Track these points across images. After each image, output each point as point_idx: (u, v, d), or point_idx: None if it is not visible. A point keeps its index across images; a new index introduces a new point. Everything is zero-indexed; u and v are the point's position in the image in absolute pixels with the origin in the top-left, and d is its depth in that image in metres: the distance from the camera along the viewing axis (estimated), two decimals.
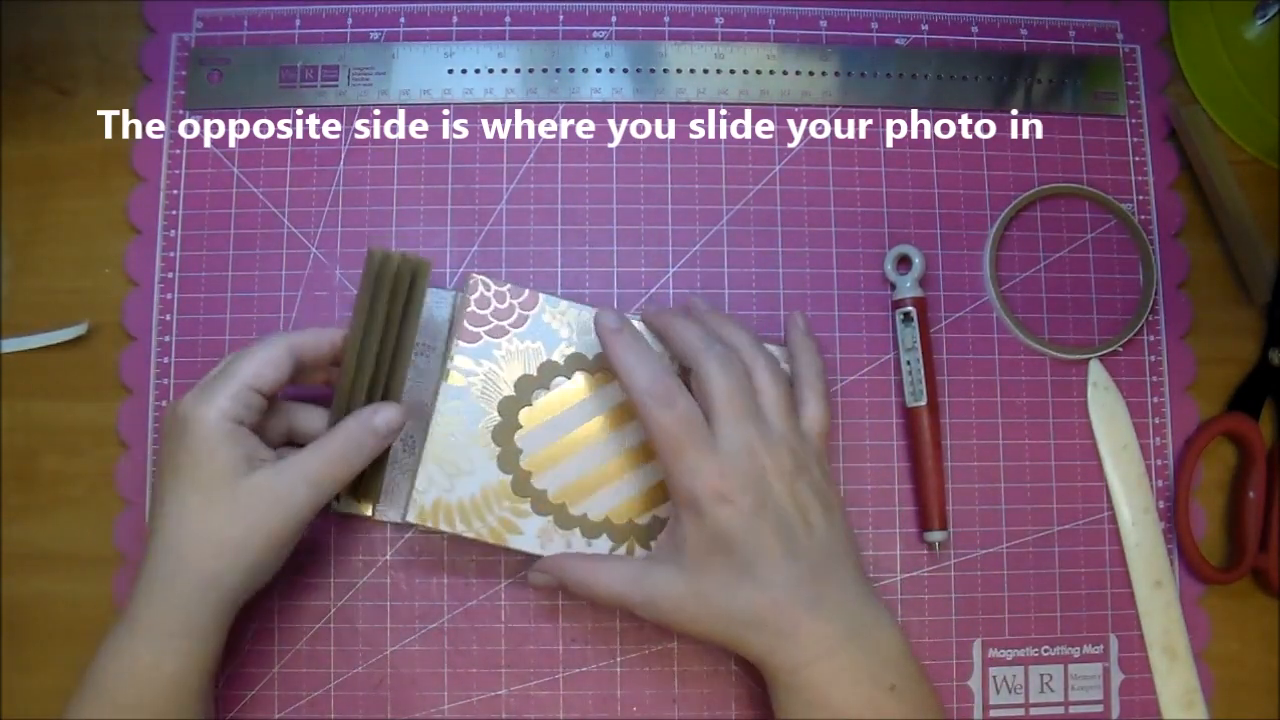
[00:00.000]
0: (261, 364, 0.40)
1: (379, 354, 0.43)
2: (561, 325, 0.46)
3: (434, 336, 0.47)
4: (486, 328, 0.45)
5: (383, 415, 0.42)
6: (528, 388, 0.45)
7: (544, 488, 0.44)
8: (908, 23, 0.52)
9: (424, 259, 0.43)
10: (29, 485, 0.48)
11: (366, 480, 0.44)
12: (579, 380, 0.45)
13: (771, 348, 0.48)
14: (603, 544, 0.45)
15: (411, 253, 0.43)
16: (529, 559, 0.45)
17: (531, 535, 0.44)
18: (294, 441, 0.44)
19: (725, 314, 0.46)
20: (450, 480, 0.44)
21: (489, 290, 0.45)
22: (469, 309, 0.45)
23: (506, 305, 0.45)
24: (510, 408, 0.45)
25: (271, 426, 0.42)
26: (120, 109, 0.50)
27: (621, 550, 0.45)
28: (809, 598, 0.39)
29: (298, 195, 0.49)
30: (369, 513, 0.46)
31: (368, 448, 0.41)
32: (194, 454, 0.39)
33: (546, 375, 0.45)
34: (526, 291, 0.46)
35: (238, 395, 0.39)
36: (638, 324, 0.45)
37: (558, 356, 0.45)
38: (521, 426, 0.45)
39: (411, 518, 0.43)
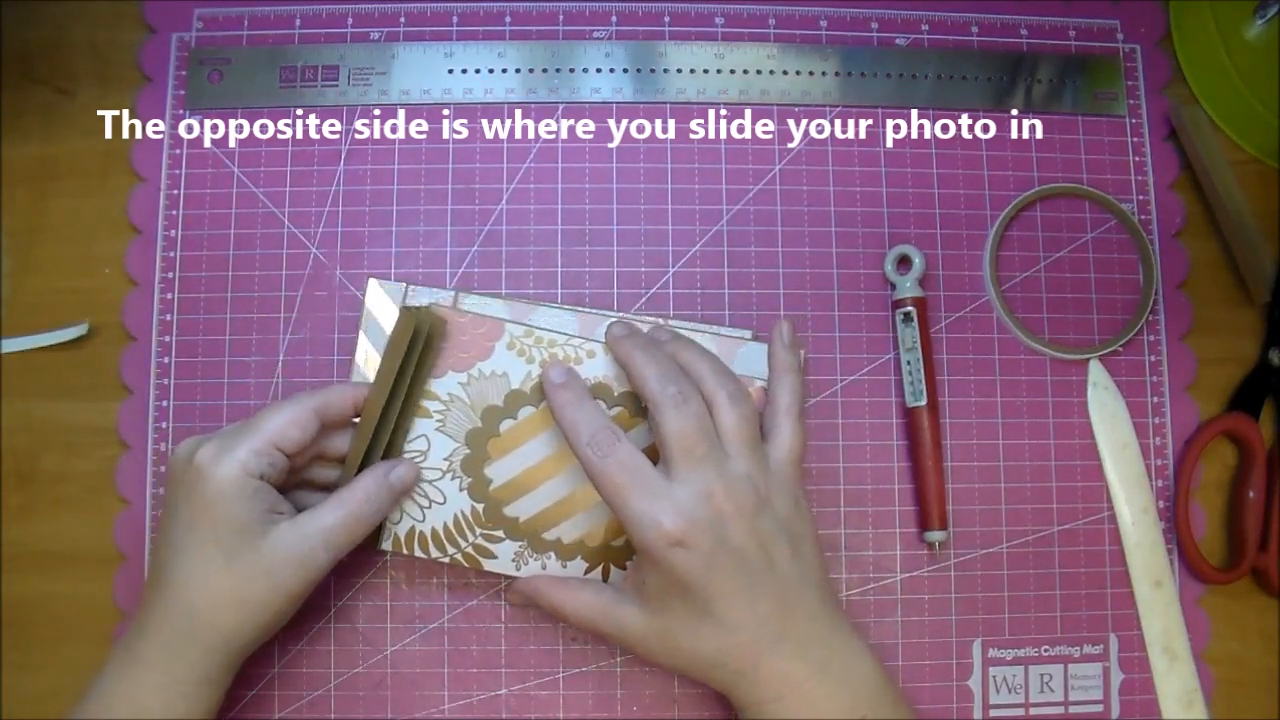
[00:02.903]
0: (288, 423, 0.40)
1: (401, 410, 0.44)
2: (526, 355, 0.45)
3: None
4: (451, 361, 0.45)
5: (398, 473, 0.42)
6: (494, 418, 0.45)
7: (515, 515, 0.45)
8: (908, 23, 0.52)
9: (441, 316, 0.44)
10: (29, 485, 0.48)
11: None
12: (546, 408, 0.45)
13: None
14: (577, 566, 0.45)
15: (433, 308, 0.44)
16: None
17: (506, 559, 0.45)
18: (305, 484, 0.44)
19: (687, 340, 0.44)
20: (422, 511, 0.44)
21: (454, 323, 0.45)
22: (439, 341, 0.45)
23: (469, 337, 0.45)
24: (478, 439, 0.45)
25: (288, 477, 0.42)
26: (120, 109, 0.50)
27: (597, 572, 0.45)
28: (772, 636, 0.39)
29: (298, 195, 0.49)
30: None
31: (385, 505, 0.42)
32: (212, 508, 0.38)
33: (513, 405, 0.45)
34: (488, 322, 0.45)
35: (261, 452, 0.39)
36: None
37: (524, 386, 0.45)
38: (490, 456, 0.45)
39: (386, 546, 0.45)
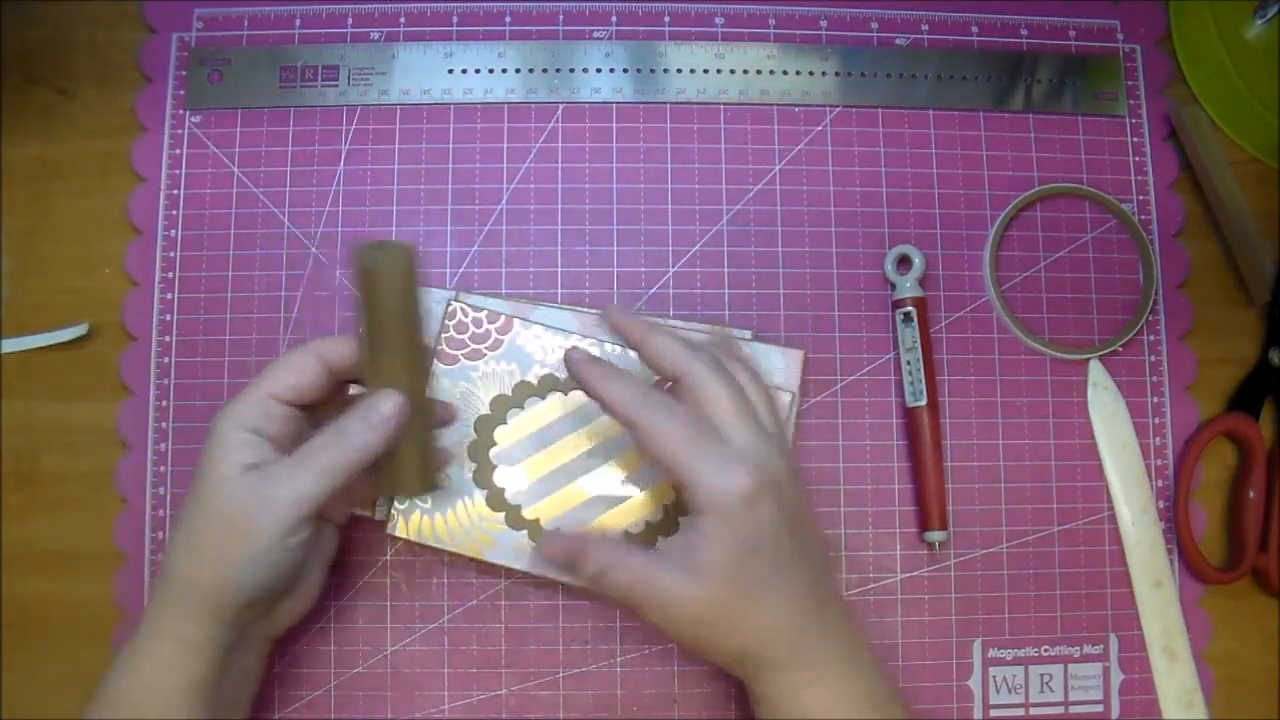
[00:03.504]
0: (283, 370, 0.39)
1: (395, 353, 0.40)
2: (536, 348, 0.47)
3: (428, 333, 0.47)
4: (464, 351, 0.46)
5: (373, 403, 0.38)
6: (503, 407, 0.46)
7: (518, 504, 0.46)
8: (908, 23, 0.52)
9: (406, 244, 0.40)
10: (29, 485, 0.48)
11: (388, 474, 0.41)
12: (552, 400, 0.46)
13: (770, 348, 0.48)
14: None
15: (392, 242, 0.40)
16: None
17: (507, 549, 0.45)
18: None
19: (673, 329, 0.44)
20: (428, 496, 0.45)
21: (467, 316, 0.46)
22: (447, 334, 0.46)
23: (484, 330, 0.47)
24: (486, 425, 0.46)
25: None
26: (120, 109, 0.50)
27: None
28: (815, 609, 0.38)
29: (298, 195, 0.49)
30: (369, 513, 0.46)
31: (359, 440, 0.38)
32: (202, 461, 0.38)
33: (521, 395, 0.46)
34: (503, 317, 0.47)
35: (255, 403, 0.38)
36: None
37: (531, 377, 0.47)
38: (496, 443, 0.46)
39: (393, 530, 0.45)
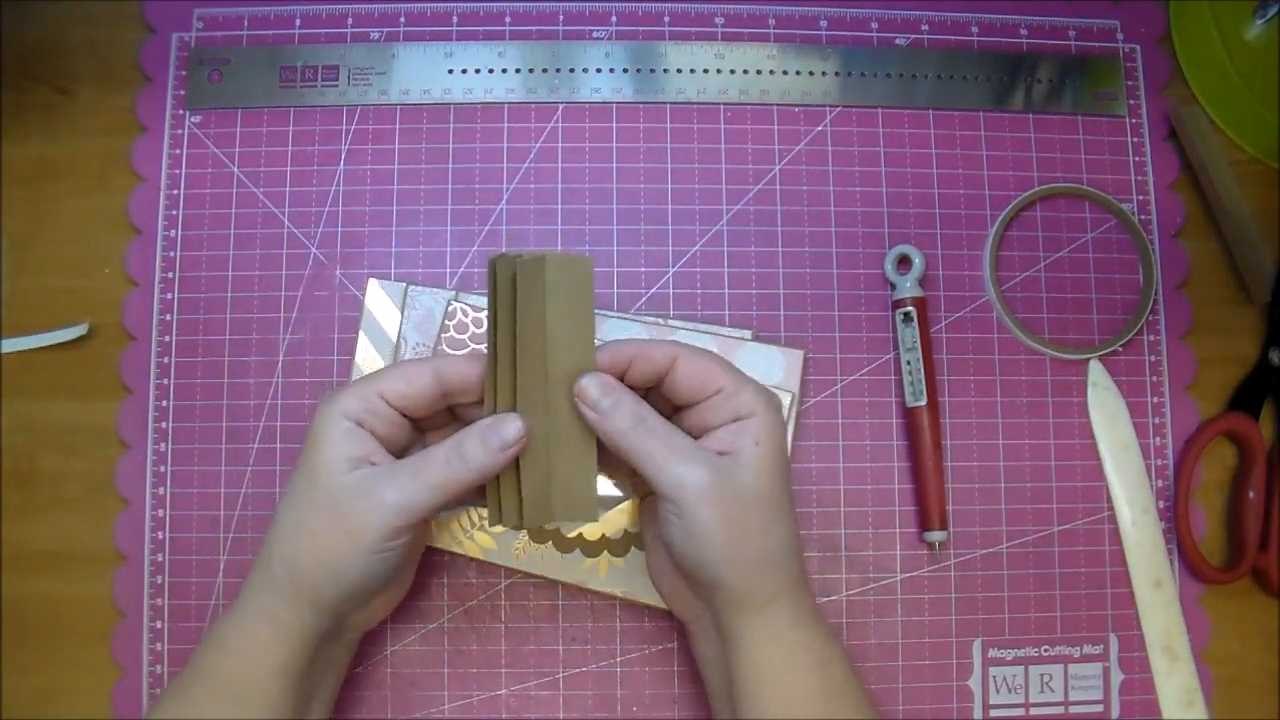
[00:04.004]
0: (398, 376, 0.38)
1: (539, 373, 0.37)
2: None
3: (428, 335, 0.47)
4: (464, 351, 0.46)
5: (495, 427, 0.37)
6: None
7: None
8: (908, 23, 0.52)
9: (540, 254, 0.37)
10: (29, 485, 0.48)
11: (509, 502, 0.39)
12: None
13: (770, 348, 0.48)
14: (575, 558, 0.46)
15: (529, 252, 0.38)
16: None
17: (506, 549, 0.45)
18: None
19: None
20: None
21: (467, 316, 0.46)
22: (447, 334, 0.46)
23: (484, 330, 0.46)
24: None
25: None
26: (120, 109, 0.50)
27: (596, 564, 0.45)
28: (801, 557, 0.40)
29: (298, 195, 0.49)
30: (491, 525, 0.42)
31: (475, 460, 0.37)
32: (309, 444, 0.38)
33: None
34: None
35: (363, 397, 0.38)
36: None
37: None
38: None
39: None
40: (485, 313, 0.46)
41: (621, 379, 0.38)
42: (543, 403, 0.37)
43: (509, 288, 0.38)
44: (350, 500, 0.37)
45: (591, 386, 0.37)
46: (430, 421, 0.41)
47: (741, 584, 0.38)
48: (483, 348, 0.46)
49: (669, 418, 0.39)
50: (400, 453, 0.39)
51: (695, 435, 0.39)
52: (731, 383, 0.38)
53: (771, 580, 0.38)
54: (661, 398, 0.40)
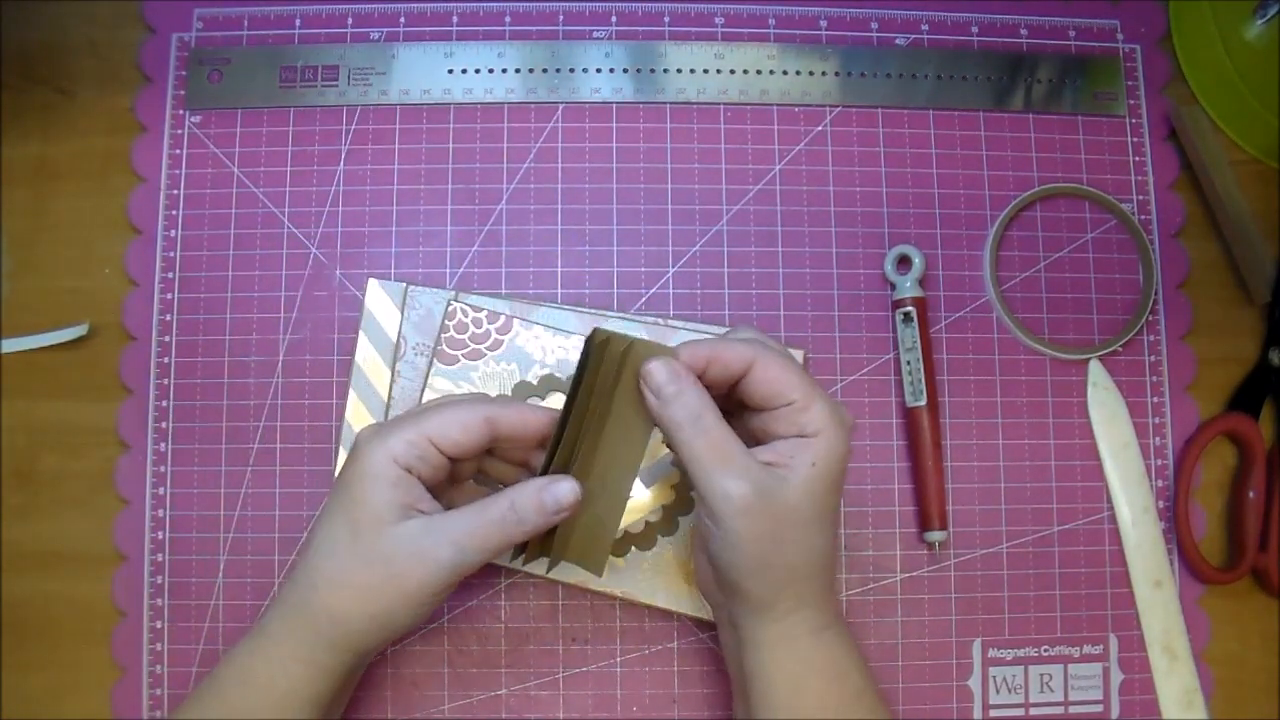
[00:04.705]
0: (451, 423, 0.38)
1: (593, 433, 0.39)
2: (536, 348, 0.47)
3: (428, 335, 0.47)
4: (464, 350, 0.46)
5: (555, 490, 0.37)
6: None
7: None
8: (908, 23, 0.52)
9: (634, 340, 0.38)
10: (29, 485, 0.48)
11: (544, 542, 0.40)
12: (552, 400, 0.46)
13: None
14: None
15: (626, 337, 0.38)
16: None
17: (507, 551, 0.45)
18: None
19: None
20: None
21: (467, 316, 0.46)
22: (447, 334, 0.46)
23: (484, 330, 0.47)
24: None
25: (460, 492, 0.41)
26: (120, 109, 0.50)
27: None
28: (834, 569, 0.40)
29: (298, 195, 0.49)
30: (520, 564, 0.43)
31: (533, 521, 0.37)
32: (352, 487, 0.37)
33: (521, 395, 0.46)
34: (503, 317, 0.47)
35: (414, 444, 0.37)
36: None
37: (532, 378, 0.47)
38: None
39: None
40: (480, 312, 0.46)
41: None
42: (593, 466, 0.38)
43: (608, 363, 0.38)
44: (403, 559, 0.37)
45: (659, 370, 0.37)
46: (466, 471, 0.41)
47: (767, 595, 0.38)
48: (482, 347, 0.46)
49: (739, 413, 0.39)
50: (436, 489, 0.39)
51: (759, 439, 0.38)
52: (804, 397, 0.37)
53: (797, 593, 0.38)
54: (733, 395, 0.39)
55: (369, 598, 0.37)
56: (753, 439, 0.38)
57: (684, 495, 0.47)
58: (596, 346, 0.38)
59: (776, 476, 0.36)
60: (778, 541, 0.37)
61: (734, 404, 0.39)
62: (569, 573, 0.46)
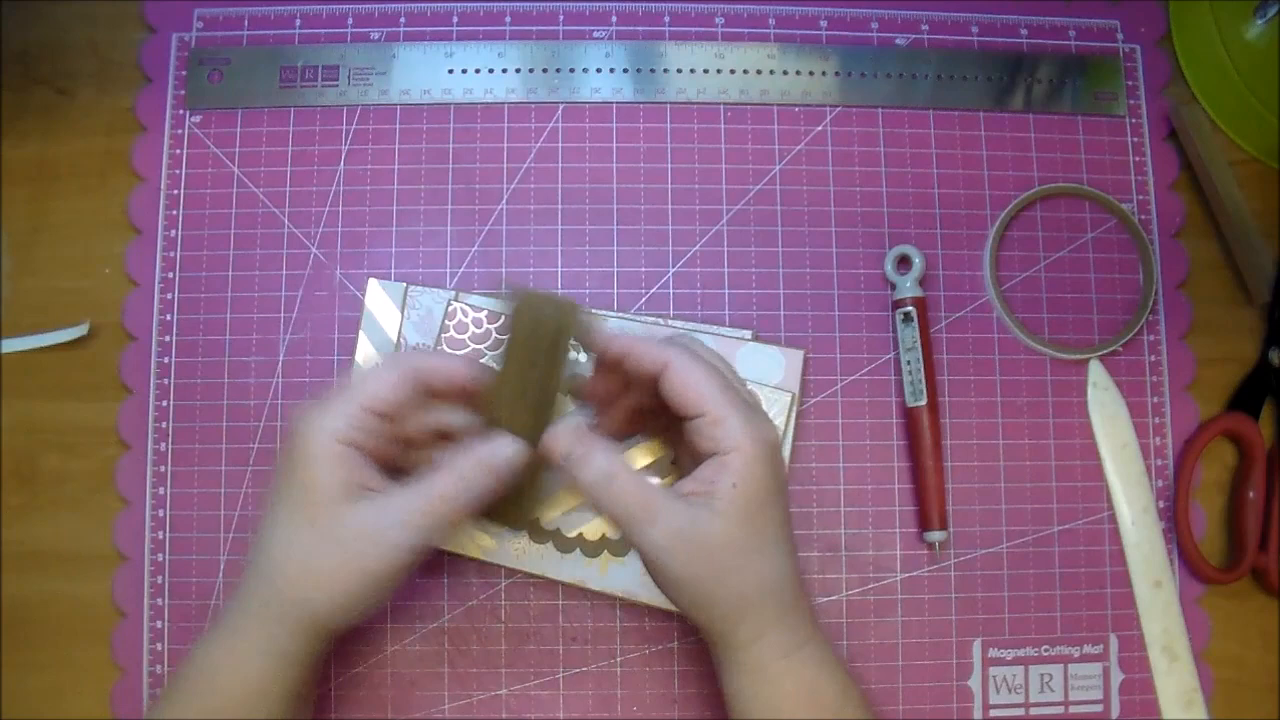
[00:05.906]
0: (378, 384, 0.38)
1: (529, 402, 0.39)
2: None
3: (428, 335, 0.47)
4: (464, 351, 0.46)
5: (495, 450, 0.38)
6: None
7: None
8: (908, 23, 0.52)
9: (563, 303, 0.39)
10: (29, 485, 0.48)
11: (505, 507, 0.40)
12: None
13: (770, 348, 0.48)
14: (575, 558, 0.46)
15: (558, 297, 0.39)
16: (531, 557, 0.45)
17: (506, 549, 0.45)
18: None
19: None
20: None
21: (467, 316, 0.46)
22: (447, 334, 0.46)
23: (484, 330, 0.46)
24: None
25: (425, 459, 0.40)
26: (120, 109, 0.50)
27: (595, 564, 0.46)
28: (799, 579, 0.38)
29: (298, 195, 0.49)
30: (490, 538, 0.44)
31: (479, 485, 0.37)
32: (298, 474, 0.37)
33: None
34: (503, 316, 0.46)
35: (351, 416, 0.37)
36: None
37: None
38: None
39: None
40: (480, 312, 0.46)
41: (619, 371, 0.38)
42: (541, 421, 0.39)
43: (544, 322, 0.39)
44: (360, 543, 0.36)
45: (563, 436, 0.37)
46: (417, 437, 0.40)
47: (723, 627, 0.37)
48: (482, 347, 0.46)
49: (677, 423, 0.38)
50: (387, 464, 0.39)
51: (693, 457, 0.38)
52: (716, 408, 0.36)
53: (756, 620, 0.37)
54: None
55: (331, 581, 0.37)
56: (693, 450, 0.38)
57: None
58: (519, 308, 0.38)
59: (702, 507, 0.36)
60: (719, 573, 0.36)
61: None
62: (568, 572, 0.46)
